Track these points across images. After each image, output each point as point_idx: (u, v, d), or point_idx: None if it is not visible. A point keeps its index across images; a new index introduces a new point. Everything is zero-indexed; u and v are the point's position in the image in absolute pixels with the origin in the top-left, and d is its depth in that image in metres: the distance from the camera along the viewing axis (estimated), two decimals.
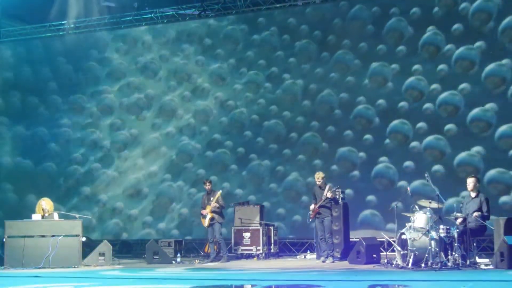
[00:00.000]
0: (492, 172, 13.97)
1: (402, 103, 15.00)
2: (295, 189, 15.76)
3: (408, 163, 14.75)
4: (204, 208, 13.66)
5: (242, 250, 14.19)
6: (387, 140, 15.02)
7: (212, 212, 13.49)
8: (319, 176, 12.93)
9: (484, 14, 14.57)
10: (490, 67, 14.30)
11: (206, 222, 13.57)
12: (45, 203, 13.17)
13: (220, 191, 13.95)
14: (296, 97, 16.15)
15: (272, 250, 14.45)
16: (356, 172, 15.24)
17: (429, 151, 14.61)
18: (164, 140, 17.20)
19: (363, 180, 15.09)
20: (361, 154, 15.25)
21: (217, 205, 13.51)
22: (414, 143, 14.76)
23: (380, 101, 15.26)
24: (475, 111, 14.32)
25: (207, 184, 13.79)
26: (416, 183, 14.11)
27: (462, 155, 14.31)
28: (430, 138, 14.63)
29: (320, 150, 15.67)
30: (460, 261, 10.33)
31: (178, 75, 17.35)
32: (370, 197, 14.89)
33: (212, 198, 13.54)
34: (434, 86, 14.74)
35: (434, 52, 14.88)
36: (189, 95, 17.14)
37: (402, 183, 14.48)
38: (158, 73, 17.52)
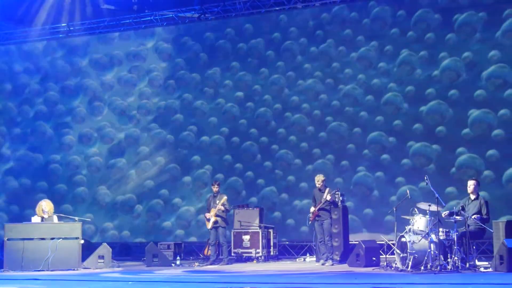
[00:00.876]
0: None
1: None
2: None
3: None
4: (209, 210, 13.62)
5: (242, 252, 14.16)
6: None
7: (217, 216, 13.45)
8: (319, 179, 12.91)
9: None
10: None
11: (209, 224, 13.53)
12: (45, 205, 13.12)
13: (226, 196, 13.76)
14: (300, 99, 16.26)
15: (272, 253, 14.43)
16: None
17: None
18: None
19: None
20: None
21: (223, 208, 13.43)
22: None
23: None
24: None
25: (215, 186, 13.72)
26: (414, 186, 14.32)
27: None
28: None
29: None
30: (459, 264, 10.33)
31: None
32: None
33: (218, 201, 13.48)
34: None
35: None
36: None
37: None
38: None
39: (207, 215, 13.59)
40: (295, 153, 15.98)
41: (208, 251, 13.96)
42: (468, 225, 10.75)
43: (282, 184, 16.00)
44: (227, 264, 13.33)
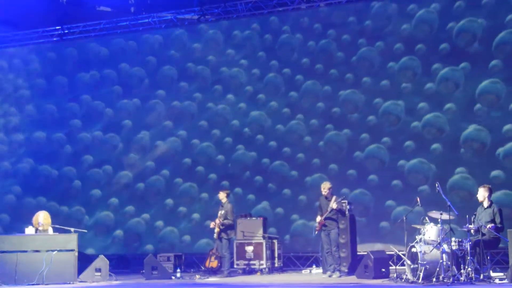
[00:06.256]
0: None
1: None
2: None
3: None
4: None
5: (245, 264, 13.79)
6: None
7: (219, 227, 13.16)
8: (325, 187, 12.54)
9: None
10: None
11: (215, 234, 13.29)
12: (43, 217, 12.68)
13: (230, 206, 13.38)
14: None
15: (276, 265, 14.07)
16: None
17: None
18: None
19: None
20: None
21: (219, 222, 13.14)
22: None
23: None
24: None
25: (220, 193, 13.55)
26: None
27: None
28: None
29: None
30: (473, 275, 10.12)
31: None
32: None
33: (223, 211, 13.25)
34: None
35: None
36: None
37: None
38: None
39: (211, 224, 13.38)
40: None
41: (210, 262, 13.52)
42: (483, 234, 10.44)
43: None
44: (228, 276, 13.00)
